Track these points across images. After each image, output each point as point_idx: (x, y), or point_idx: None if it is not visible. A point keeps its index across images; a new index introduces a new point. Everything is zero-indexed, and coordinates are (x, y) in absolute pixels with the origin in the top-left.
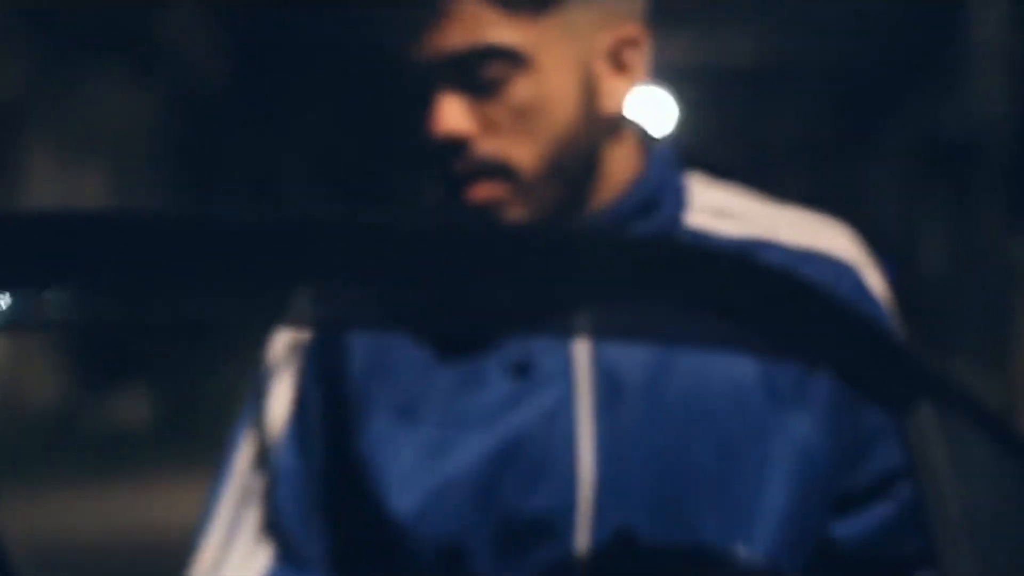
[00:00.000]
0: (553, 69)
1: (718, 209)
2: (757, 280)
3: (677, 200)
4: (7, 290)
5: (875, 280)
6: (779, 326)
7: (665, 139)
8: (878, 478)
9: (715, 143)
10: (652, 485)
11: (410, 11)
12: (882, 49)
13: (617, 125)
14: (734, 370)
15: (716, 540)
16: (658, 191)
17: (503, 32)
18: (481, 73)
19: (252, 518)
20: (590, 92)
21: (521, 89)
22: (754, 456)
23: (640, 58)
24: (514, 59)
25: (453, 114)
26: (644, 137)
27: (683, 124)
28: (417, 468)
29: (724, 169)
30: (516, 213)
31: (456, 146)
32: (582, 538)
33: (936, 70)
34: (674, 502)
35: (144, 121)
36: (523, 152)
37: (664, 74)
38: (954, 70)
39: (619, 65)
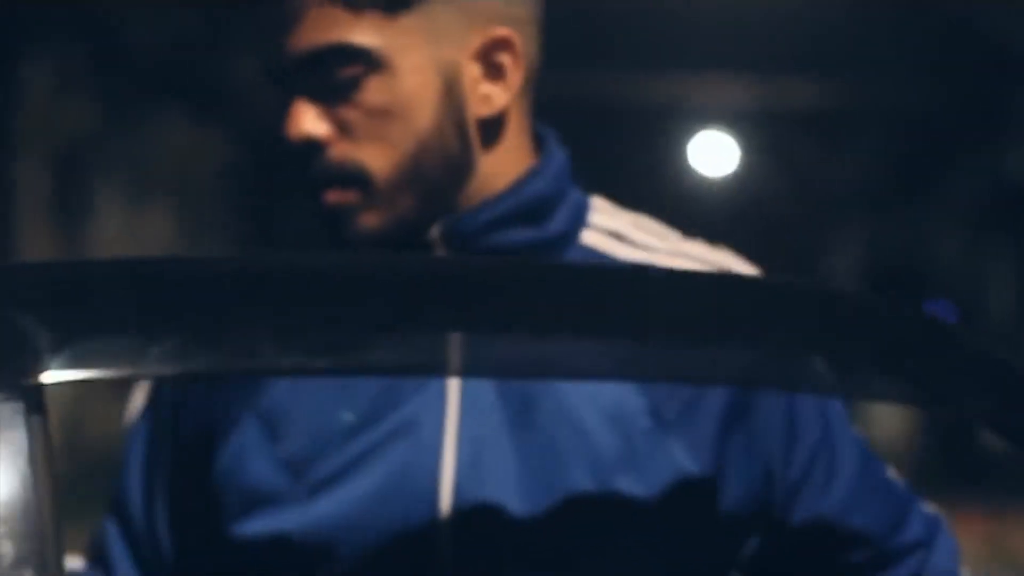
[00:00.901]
0: (410, 71)
1: (617, 233)
2: (895, 326)
3: (574, 217)
4: (122, 336)
5: None
6: (921, 375)
7: (562, 153)
8: (858, 532)
9: (776, 187)
10: (517, 505)
11: (265, 12)
12: (946, 94)
13: (496, 131)
14: (617, 394)
15: (590, 566)
16: (546, 202)
17: (355, 32)
18: (334, 74)
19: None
20: (456, 96)
21: (375, 92)
22: (632, 481)
23: (515, 61)
24: (367, 60)
25: (307, 117)
26: (542, 147)
27: (744, 168)
28: (281, 488)
29: (784, 216)
30: (369, 220)
31: (310, 149)
32: (445, 554)
33: (1001, 115)
34: (544, 520)
35: (209, 162)
36: (377, 157)
37: (725, 117)
38: (1020, 115)
39: (491, 68)
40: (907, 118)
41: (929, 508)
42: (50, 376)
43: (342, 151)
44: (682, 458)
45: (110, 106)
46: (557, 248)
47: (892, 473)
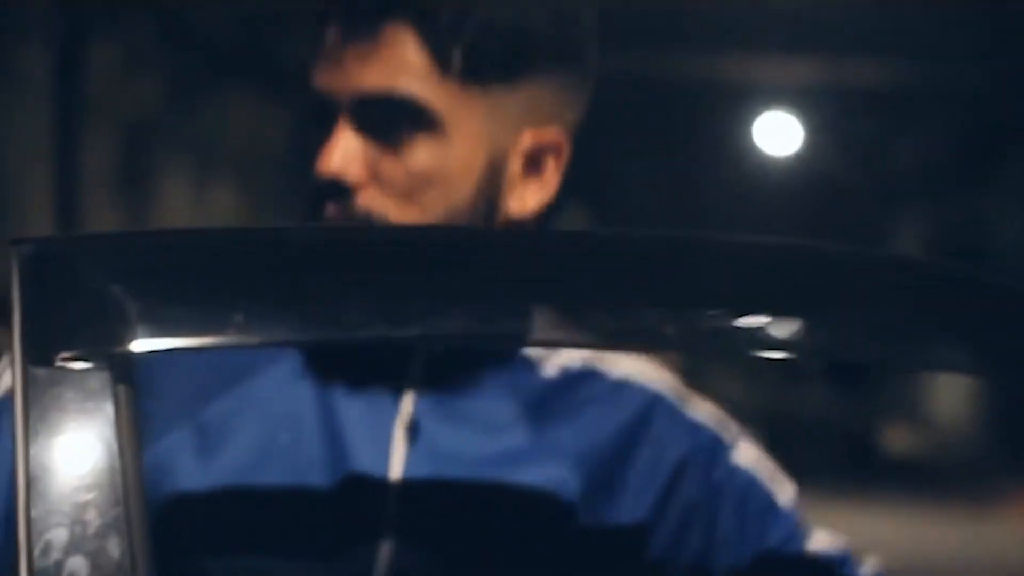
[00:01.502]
0: (463, 145)
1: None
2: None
3: None
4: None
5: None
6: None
7: None
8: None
9: (840, 167)
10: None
11: (337, 26)
12: (1010, 72)
13: (519, 226)
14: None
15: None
16: None
17: (429, 89)
18: (390, 122)
19: None
20: (496, 185)
21: (424, 153)
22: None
23: (558, 168)
24: (430, 121)
25: (346, 155)
26: None
27: (808, 147)
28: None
29: (849, 193)
30: None
31: (338, 189)
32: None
33: None
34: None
35: (274, 140)
36: (404, 217)
37: (789, 97)
38: None
39: (535, 168)
40: (971, 96)
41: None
42: (138, 345)
43: (370, 200)
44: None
45: (177, 82)
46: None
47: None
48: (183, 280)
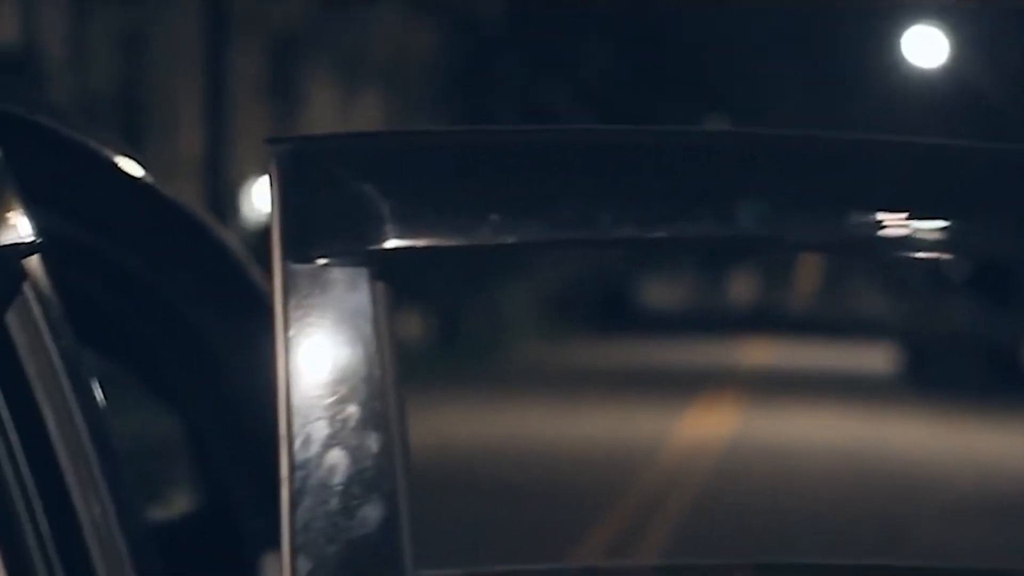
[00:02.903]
0: None
1: None
2: None
3: None
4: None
5: None
6: None
7: None
8: None
9: (985, 80)
10: None
11: None
12: None
13: None
14: None
15: None
16: None
17: None
18: None
19: None
20: None
21: None
22: None
23: None
24: None
25: None
26: None
27: (954, 59)
28: None
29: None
30: None
31: None
32: None
33: None
34: None
35: (418, 48)
36: None
37: (935, 11)
38: None
39: None
40: None
41: None
42: (393, 243)
43: None
44: None
45: None
46: None
47: None
48: (438, 180)
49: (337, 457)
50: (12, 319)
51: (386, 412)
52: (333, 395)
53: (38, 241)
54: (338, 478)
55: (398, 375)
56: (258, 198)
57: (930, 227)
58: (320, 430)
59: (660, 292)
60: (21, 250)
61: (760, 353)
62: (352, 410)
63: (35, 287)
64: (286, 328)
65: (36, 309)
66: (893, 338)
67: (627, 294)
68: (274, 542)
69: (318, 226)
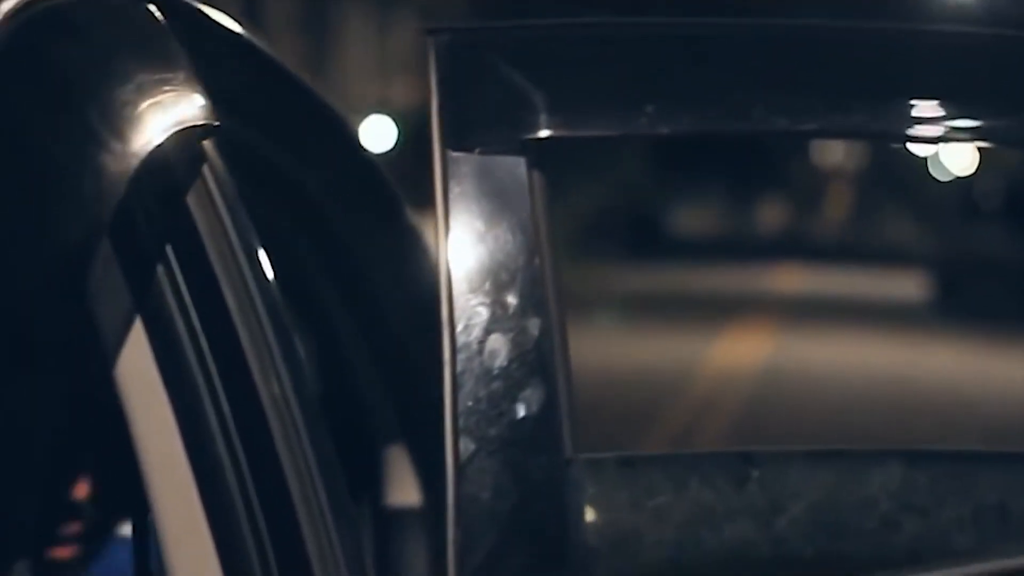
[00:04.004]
0: None
1: None
2: None
3: None
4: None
5: None
6: None
7: None
8: None
9: None
10: None
11: None
12: None
13: None
14: None
15: None
16: None
17: None
18: None
19: None
20: None
21: None
22: None
23: None
24: None
25: None
26: None
27: None
28: None
29: None
30: None
31: None
32: None
33: None
34: None
35: None
36: None
37: None
38: None
39: None
40: None
41: None
42: (549, 132)
43: None
44: None
45: None
46: None
47: None
48: (594, 71)
49: (498, 342)
50: (192, 199)
51: (545, 298)
52: (493, 281)
53: (215, 124)
54: (499, 362)
55: (555, 263)
56: None
57: None
58: (480, 315)
59: (690, 218)
60: (201, 132)
61: (791, 280)
62: (512, 296)
63: (213, 169)
64: (446, 215)
65: (215, 190)
66: (924, 265)
67: (657, 221)
68: (400, 441)
69: (477, 115)
